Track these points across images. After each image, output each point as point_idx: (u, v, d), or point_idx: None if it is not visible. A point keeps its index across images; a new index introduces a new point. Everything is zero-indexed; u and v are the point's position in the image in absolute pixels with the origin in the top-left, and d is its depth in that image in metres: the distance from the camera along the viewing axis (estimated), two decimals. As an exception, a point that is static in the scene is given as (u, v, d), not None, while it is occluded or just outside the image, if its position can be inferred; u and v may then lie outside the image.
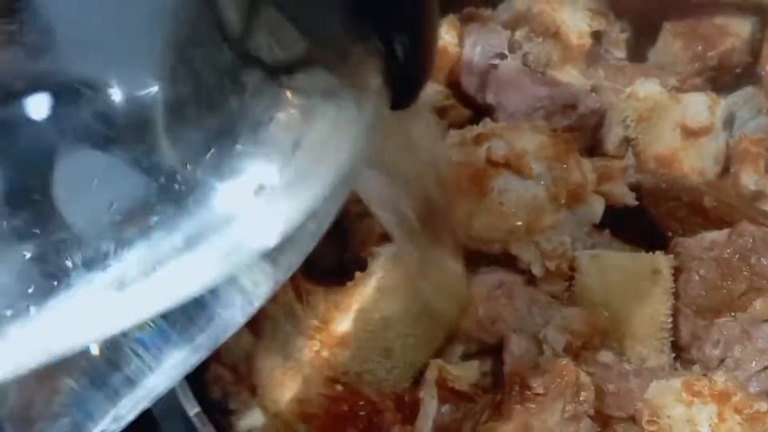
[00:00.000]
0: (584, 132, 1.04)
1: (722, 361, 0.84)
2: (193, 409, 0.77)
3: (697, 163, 1.01)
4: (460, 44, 1.12)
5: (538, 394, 0.77)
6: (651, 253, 0.90)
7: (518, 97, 1.06)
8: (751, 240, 0.87)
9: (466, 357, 0.88)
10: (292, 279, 0.90)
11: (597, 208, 0.94)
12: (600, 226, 0.95)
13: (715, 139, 1.01)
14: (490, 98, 1.08)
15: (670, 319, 0.88)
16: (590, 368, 0.81)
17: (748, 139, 1.00)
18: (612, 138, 1.05)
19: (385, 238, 0.92)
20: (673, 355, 0.87)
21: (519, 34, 1.13)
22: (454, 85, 1.10)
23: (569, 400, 0.76)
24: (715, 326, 0.86)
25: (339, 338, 0.86)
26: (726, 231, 0.90)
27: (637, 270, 0.88)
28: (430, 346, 0.87)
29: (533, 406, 0.77)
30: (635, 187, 0.98)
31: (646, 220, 0.98)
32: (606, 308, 0.88)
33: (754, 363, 0.83)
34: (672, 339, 0.88)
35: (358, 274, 0.89)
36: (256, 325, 0.89)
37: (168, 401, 0.80)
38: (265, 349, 0.88)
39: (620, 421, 0.79)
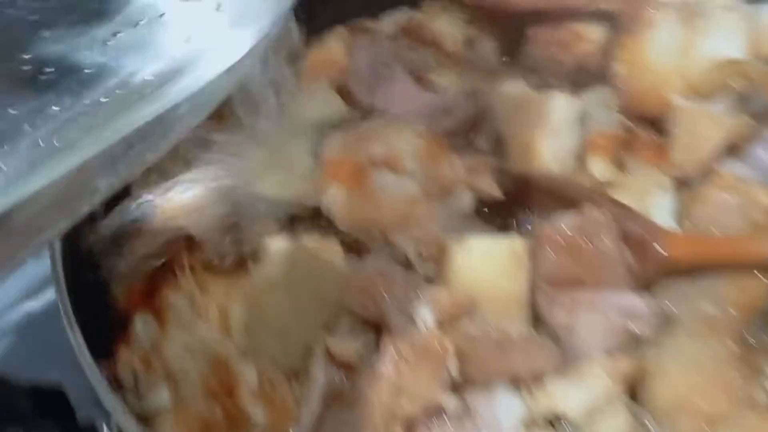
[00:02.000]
0: (459, 134, 1.16)
1: (571, 323, 0.97)
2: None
3: (556, 155, 1.13)
4: (349, 53, 1.23)
5: (409, 361, 0.89)
6: (512, 236, 1.02)
7: (402, 102, 1.17)
8: (594, 223, 1.00)
9: (353, 333, 1.00)
10: (193, 272, 1.00)
11: (466, 200, 1.07)
12: (472, 215, 1.07)
13: (571, 134, 1.14)
14: (377, 103, 1.19)
15: (528, 294, 1.01)
16: (457, 339, 0.93)
17: (598, 133, 1.13)
18: (484, 137, 1.16)
19: (276, 233, 1.04)
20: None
21: (401, 44, 1.24)
22: (343, 91, 1.21)
23: (435, 363, 0.88)
24: (565, 295, 0.98)
25: (235, 323, 0.97)
26: (575, 215, 1.02)
27: (499, 251, 1.00)
28: (318, 327, 0.98)
29: (406, 370, 0.89)
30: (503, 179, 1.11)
31: (513, 207, 1.11)
32: (472, 287, 1.00)
33: (597, 323, 0.96)
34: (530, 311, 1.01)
35: (250, 266, 1.00)
36: (160, 315, 0.99)
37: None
38: (170, 336, 0.98)
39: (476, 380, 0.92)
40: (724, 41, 1.12)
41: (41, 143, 0.55)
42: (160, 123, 0.59)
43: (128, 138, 0.58)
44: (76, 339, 0.86)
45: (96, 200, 0.59)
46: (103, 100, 0.57)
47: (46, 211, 0.57)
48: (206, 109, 0.61)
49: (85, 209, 0.59)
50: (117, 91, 0.58)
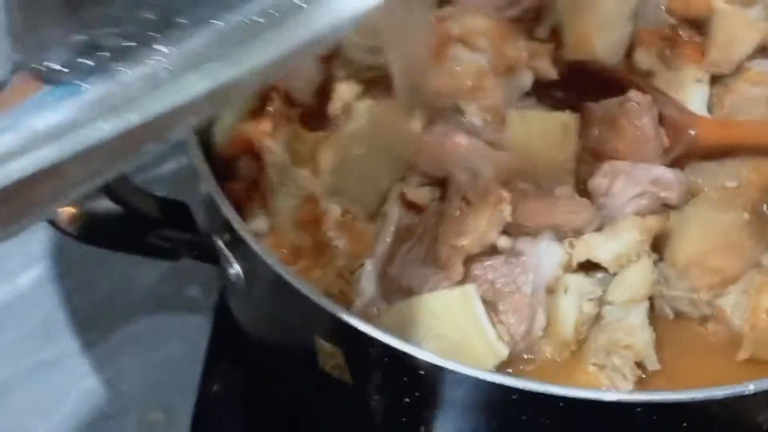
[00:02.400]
0: (524, 22, 1.30)
1: (609, 188, 1.13)
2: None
3: (608, 46, 1.27)
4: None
5: (470, 203, 1.06)
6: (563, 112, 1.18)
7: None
8: (635, 104, 1.16)
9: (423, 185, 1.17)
10: (290, 122, 1.17)
11: (527, 79, 1.22)
12: (529, 94, 1.23)
13: (622, 28, 1.28)
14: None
15: (574, 162, 1.17)
16: (511, 192, 1.10)
17: (646, 29, 1.27)
18: (544, 27, 1.31)
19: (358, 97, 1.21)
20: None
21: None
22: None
23: (492, 209, 1.06)
24: (606, 164, 1.15)
25: (323, 167, 1.14)
26: (620, 98, 1.18)
27: (552, 124, 1.16)
28: (393, 176, 1.15)
29: (468, 212, 1.06)
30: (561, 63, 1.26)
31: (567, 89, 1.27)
32: (527, 153, 1.16)
33: (632, 189, 1.12)
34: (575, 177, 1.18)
35: (341, 121, 1.17)
36: (259, 158, 1.17)
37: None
38: (268, 175, 1.15)
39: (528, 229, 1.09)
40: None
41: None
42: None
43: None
44: (199, 164, 1.03)
45: None
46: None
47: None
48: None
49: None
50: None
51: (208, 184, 1.02)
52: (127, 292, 1.34)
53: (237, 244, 1.02)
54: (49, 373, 1.29)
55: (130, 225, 1.01)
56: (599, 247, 1.08)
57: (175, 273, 1.32)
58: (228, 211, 1.00)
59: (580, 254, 1.09)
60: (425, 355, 0.91)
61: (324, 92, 1.23)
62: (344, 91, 1.22)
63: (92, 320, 1.33)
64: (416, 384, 0.95)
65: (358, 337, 0.92)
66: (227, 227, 1.01)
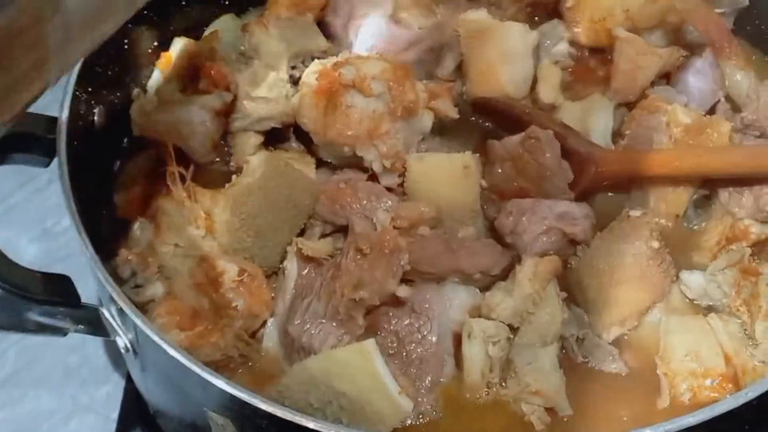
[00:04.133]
0: (424, 63, 1.28)
1: (514, 227, 1.10)
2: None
3: (512, 80, 1.25)
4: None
5: (366, 254, 1.02)
6: (464, 153, 1.15)
7: (374, 37, 1.28)
8: (536, 140, 1.13)
9: (324, 236, 1.14)
10: (184, 183, 1.14)
11: (427, 120, 1.18)
12: (432, 133, 1.20)
13: (526, 62, 1.26)
14: (350, 37, 1.30)
15: (478, 203, 1.14)
16: (412, 240, 1.07)
17: (549, 62, 1.25)
18: (445, 65, 1.28)
19: (256, 149, 1.18)
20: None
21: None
22: (322, 24, 1.33)
23: (389, 258, 1.02)
24: (510, 203, 1.12)
25: (219, 225, 1.11)
26: (522, 135, 1.15)
27: (452, 166, 1.13)
28: (292, 230, 1.12)
29: (364, 263, 1.03)
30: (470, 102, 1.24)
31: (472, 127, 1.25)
32: (429, 197, 1.13)
33: (537, 226, 1.09)
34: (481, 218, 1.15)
35: (234, 177, 1.13)
36: (155, 219, 1.13)
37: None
38: (162, 238, 1.12)
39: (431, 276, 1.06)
40: (663, -22, 1.24)
41: None
42: None
43: None
44: (81, 236, 0.99)
45: None
46: None
47: None
48: None
49: None
50: None
51: (91, 257, 0.98)
52: (33, 364, 1.29)
53: (123, 316, 0.98)
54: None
55: (7, 303, 0.97)
56: (498, 306, 1.04)
57: (83, 342, 1.28)
58: (110, 284, 0.96)
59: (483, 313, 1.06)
60: (314, 423, 0.87)
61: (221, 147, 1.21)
62: (244, 143, 1.20)
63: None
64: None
65: (247, 409, 0.88)
66: (112, 300, 0.97)
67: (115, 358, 1.29)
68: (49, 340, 1.27)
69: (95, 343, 1.30)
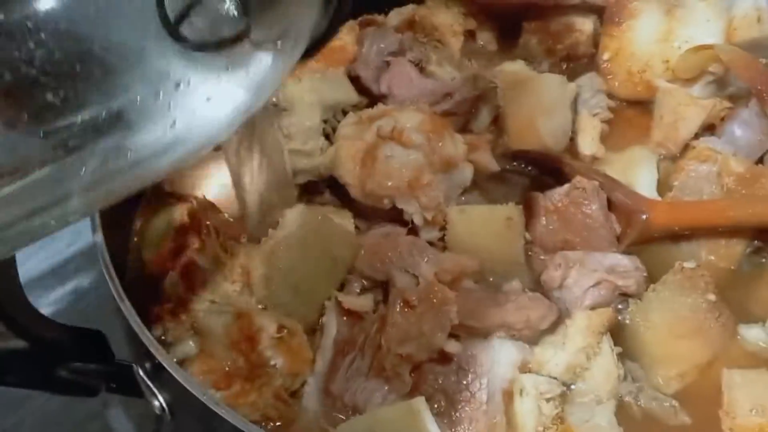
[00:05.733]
0: (459, 115, 1.26)
1: (563, 281, 1.06)
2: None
3: (551, 132, 1.22)
4: (359, 44, 1.32)
5: (414, 307, 0.98)
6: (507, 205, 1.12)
7: (406, 88, 1.27)
8: (582, 191, 1.10)
9: (363, 291, 1.09)
10: (218, 238, 1.10)
11: (467, 173, 1.16)
12: (472, 186, 1.17)
13: (565, 114, 1.23)
14: (383, 89, 1.28)
15: (522, 256, 1.10)
16: (458, 295, 1.03)
17: (587, 113, 1.23)
18: (481, 118, 1.26)
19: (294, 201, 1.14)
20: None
21: (407, 36, 1.34)
22: (353, 78, 1.31)
23: (437, 311, 0.98)
24: (558, 255, 1.08)
25: (256, 281, 1.06)
26: (566, 186, 1.12)
27: (495, 218, 1.10)
28: (331, 285, 1.08)
29: (411, 317, 0.98)
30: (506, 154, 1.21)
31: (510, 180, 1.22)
32: (472, 250, 1.09)
33: (587, 280, 1.05)
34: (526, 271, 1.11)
35: (270, 231, 1.09)
36: (187, 274, 1.09)
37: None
38: (196, 294, 1.07)
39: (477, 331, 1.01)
40: (702, 30, 1.23)
41: None
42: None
43: None
44: (116, 289, 0.95)
45: None
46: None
47: None
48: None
49: None
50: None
51: (126, 310, 0.93)
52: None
53: (159, 373, 0.93)
54: None
55: (38, 360, 0.92)
56: (549, 361, 1.00)
57: (104, 408, 1.22)
58: (147, 338, 0.92)
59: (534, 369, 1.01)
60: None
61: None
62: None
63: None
64: None
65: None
66: (148, 355, 0.93)
67: (139, 423, 1.23)
68: (66, 406, 1.22)
69: (117, 409, 1.25)
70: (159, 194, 1.17)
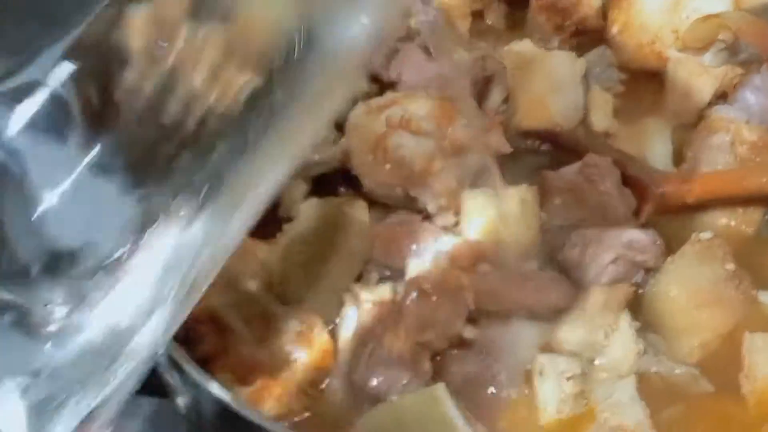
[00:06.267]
0: (470, 96, 1.25)
1: (581, 259, 1.06)
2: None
3: (562, 110, 1.21)
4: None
5: (430, 295, 0.99)
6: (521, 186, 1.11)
7: (416, 74, 1.26)
8: (594, 168, 1.09)
9: (381, 281, 1.10)
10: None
11: (479, 156, 1.15)
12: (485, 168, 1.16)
13: (576, 90, 1.23)
14: (393, 75, 1.28)
15: (539, 236, 1.10)
16: (475, 278, 1.03)
17: (599, 88, 1.22)
18: (493, 98, 1.25)
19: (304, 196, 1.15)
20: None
21: (414, 21, 1.34)
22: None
23: (453, 298, 0.98)
24: (574, 234, 1.08)
25: (274, 276, 1.07)
26: (579, 163, 1.12)
27: (509, 201, 1.09)
28: (348, 276, 1.08)
29: (427, 305, 0.99)
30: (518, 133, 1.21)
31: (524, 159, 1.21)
32: (488, 234, 1.09)
33: (605, 256, 1.05)
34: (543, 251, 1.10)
35: (285, 226, 1.10)
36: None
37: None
38: (216, 290, 1.08)
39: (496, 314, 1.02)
40: (710, -2, 1.22)
41: None
42: None
43: None
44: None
45: None
46: None
47: None
48: None
49: None
50: None
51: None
52: None
53: (182, 373, 0.94)
54: None
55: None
56: (568, 340, 1.01)
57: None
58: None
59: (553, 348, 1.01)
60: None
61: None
62: (292, 190, 1.17)
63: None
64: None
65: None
66: (170, 359, 0.94)
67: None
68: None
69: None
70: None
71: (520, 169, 1.19)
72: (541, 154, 1.21)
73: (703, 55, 1.21)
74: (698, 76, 1.19)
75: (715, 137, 1.11)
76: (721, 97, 1.19)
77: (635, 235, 1.07)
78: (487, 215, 1.10)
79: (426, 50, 1.29)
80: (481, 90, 1.25)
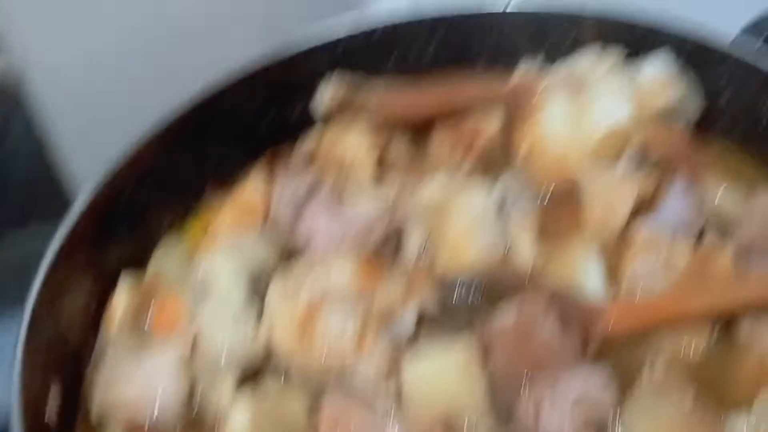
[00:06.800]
0: (387, 251, 1.19)
1: (538, 414, 1.00)
2: None
3: (482, 247, 1.15)
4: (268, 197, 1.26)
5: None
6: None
7: (326, 235, 1.19)
8: (532, 310, 1.04)
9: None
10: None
11: (409, 320, 1.08)
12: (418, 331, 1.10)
13: (494, 222, 1.17)
14: (303, 242, 1.21)
15: (490, 393, 1.03)
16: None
17: (517, 216, 1.16)
18: (411, 247, 1.18)
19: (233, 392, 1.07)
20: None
21: (316, 172, 1.27)
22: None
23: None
24: (525, 388, 1.02)
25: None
26: (514, 309, 1.06)
27: (450, 368, 1.03)
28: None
29: None
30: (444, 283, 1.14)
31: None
32: (436, 404, 1.02)
33: (562, 406, 0.99)
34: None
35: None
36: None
37: None
38: None
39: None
40: (612, 105, 1.18)
41: None
42: None
43: None
44: None
45: None
46: None
47: None
48: None
49: None
50: None
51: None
52: None
53: None
54: None
55: None
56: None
57: None
58: None
59: None
60: None
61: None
62: (218, 389, 1.09)
63: None
64: None
65: None
66: None
67: None
68: None
69: None
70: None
71: (457, 321, 1.13)
72: (474, 303, 1.15)
73: (617, 165, 1.18)
74: (614, 188, 1.15)
75: (647, 261, 1.07)
76: (643, 206, 1.15)
77: (588, 375, 1.02)
78: (430, 383, 1.03)
79: (328, 207, 1.23)
80: (396, 241, 1.20)
